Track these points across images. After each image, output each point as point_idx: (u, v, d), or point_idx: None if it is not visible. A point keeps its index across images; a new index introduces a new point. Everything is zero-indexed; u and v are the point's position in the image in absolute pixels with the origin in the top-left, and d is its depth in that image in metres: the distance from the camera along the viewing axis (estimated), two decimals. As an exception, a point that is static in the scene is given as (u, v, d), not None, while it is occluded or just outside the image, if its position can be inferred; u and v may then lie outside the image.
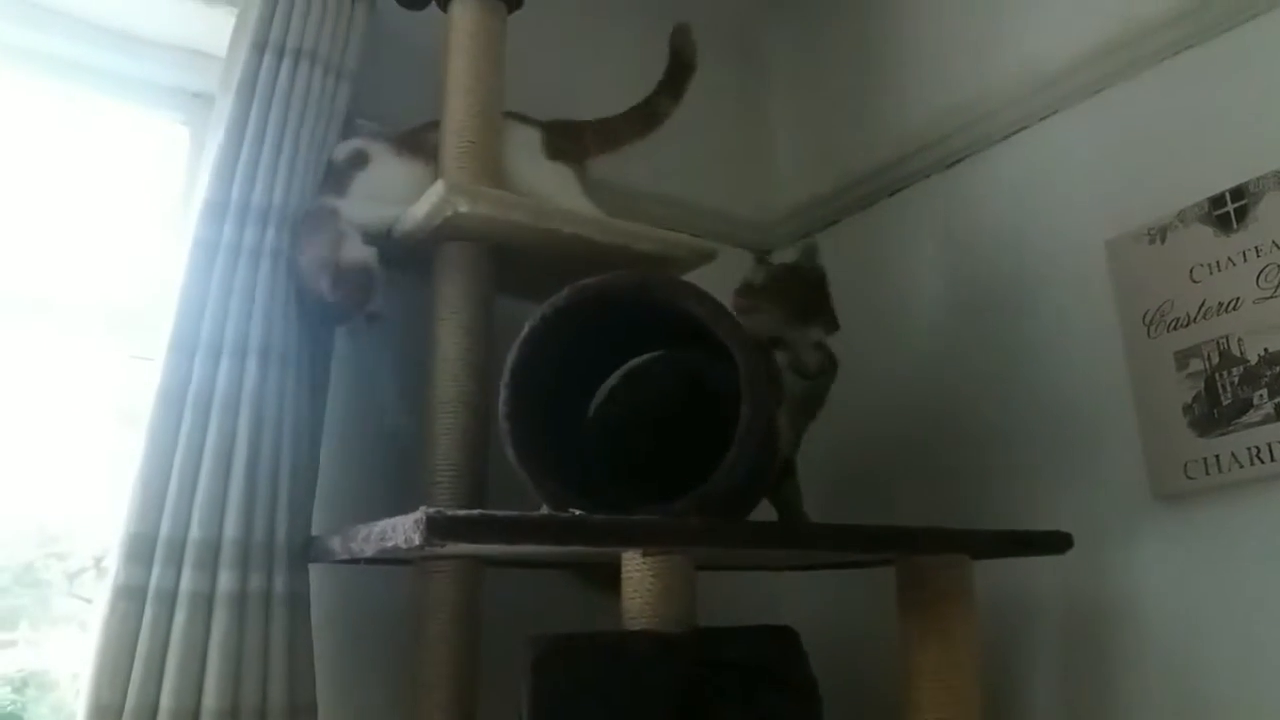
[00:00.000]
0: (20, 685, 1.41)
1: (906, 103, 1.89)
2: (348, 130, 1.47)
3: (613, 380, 1.42)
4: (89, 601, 1.48)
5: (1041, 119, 1.66)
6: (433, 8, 1.55)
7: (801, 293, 1.39)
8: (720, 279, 1.42)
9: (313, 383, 1.36)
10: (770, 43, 2.26)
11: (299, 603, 1.28)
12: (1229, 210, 1.39)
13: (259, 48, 1.38)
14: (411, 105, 1.53)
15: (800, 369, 1.36)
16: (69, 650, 1.44)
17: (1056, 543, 1.39)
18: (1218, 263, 1.39)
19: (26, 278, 1.46)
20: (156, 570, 1.18)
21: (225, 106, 1.36)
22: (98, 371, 1.53)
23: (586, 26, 1.94)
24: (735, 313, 1.23)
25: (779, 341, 1.36)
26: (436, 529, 0.95)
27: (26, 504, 1.46)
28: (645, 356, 1.43)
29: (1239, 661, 1.32)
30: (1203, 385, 1.38)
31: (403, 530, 0.98)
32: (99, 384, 1.53)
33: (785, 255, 1.42)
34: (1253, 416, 1.33)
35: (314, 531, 1.31)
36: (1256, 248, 1.35)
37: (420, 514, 0.96)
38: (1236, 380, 1.35)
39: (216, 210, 1.31)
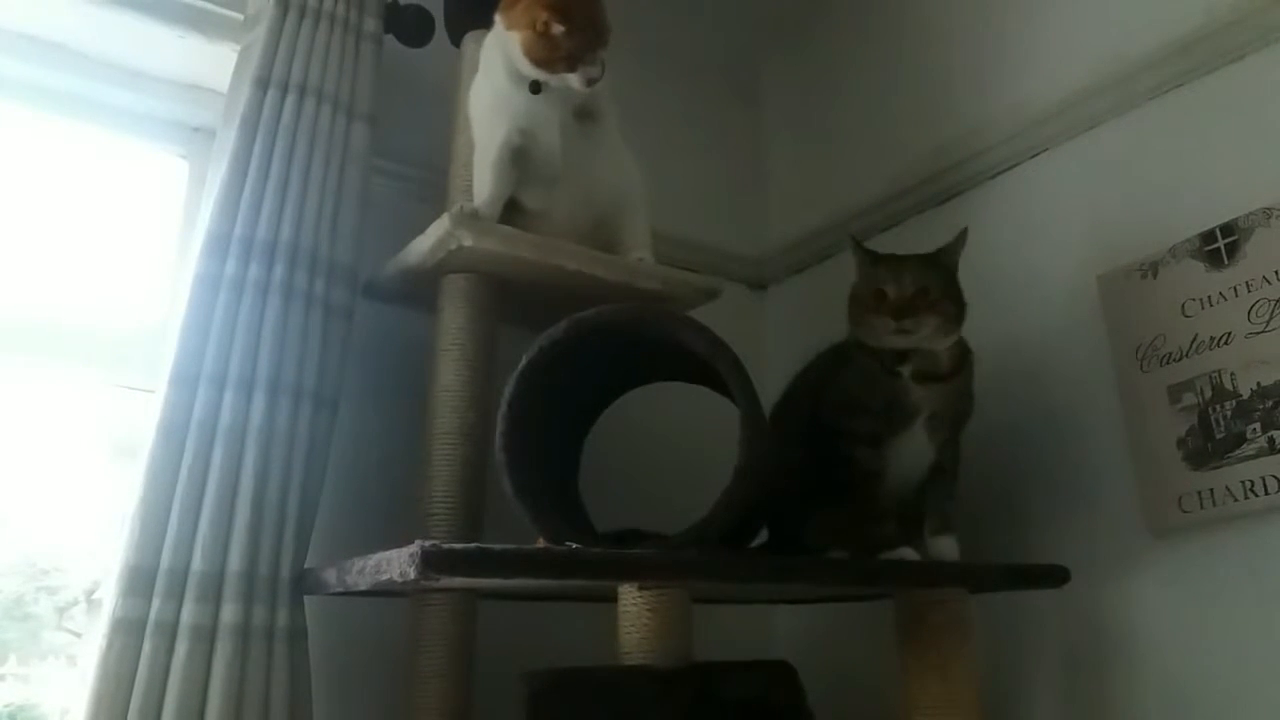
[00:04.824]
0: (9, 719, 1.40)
1: (900, 139, 1.91)
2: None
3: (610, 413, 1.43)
4: (79, 635, 1.46)
5: (1034, 155, 1.67)
6: (443, 44, 1.56)
7: None
8: (716, 312, 1.43)
9: (324, 416, 1.35)
10: (766, 81, 2.29)
11: (299, 635, 1.27)
12: (1220, 246, 1.40)
13: (262, 84, 1.39)
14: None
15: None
16: (58, 684, 1.42)
17: (1053, 576, 1.39)
18: (1209, 298, 1.40)
19: (17, 309, 1.45)
20: (156, 603, 1.17)
21: (228, 141, 1.37)
22: (87, 403, 1.52)
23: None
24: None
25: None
26: (432, 563, 0.94)
27: (16, 537, 1.45)
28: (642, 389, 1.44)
29: (1234, 694, 1.31)
30: (1196, 419, 1.39)
31: (398, 564, 0.97)
32: (89, 416, 1.52)
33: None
34: (1246, 450, 1.33)
35: (309, 563, 1.30)
36: (1247, 283, 1.37)
37: (415, 547, 0.95)
38: (1229, 414, 1.36)
39: (219, 243, 1.31)
